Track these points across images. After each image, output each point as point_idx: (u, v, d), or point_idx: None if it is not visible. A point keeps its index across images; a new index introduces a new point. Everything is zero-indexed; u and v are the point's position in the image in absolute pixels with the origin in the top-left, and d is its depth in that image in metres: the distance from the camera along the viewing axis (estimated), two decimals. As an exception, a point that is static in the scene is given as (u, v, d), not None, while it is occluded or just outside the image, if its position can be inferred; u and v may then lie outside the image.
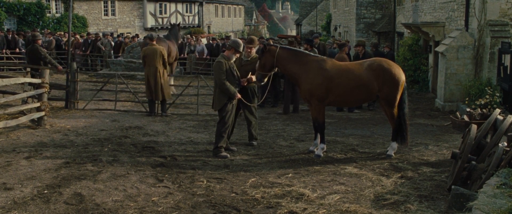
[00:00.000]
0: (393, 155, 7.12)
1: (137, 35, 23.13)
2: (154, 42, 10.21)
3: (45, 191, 5.17)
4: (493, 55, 10.71)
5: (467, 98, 10.36)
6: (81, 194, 5.11)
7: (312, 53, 7.37)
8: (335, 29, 28.48)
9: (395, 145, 7.25)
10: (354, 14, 23.04)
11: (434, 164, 6.75)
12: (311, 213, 4.72)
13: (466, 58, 11.22)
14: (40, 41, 11.22)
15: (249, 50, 7.63)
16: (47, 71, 8.98)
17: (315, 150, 7.24)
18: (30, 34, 12.75)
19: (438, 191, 5.53)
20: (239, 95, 6.96)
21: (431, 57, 15.06)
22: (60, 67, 11.02)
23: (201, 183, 5.65)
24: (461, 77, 11.25)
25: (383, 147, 7.75)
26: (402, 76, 7.12)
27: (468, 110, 7.27)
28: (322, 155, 7.05)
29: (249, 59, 7.65)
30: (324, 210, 4.81)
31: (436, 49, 12.23)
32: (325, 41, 22.21)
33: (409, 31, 16.72)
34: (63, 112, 10.47)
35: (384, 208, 4.96)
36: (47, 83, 8.84)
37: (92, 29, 29.38)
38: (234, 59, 7.01)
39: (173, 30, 14.83)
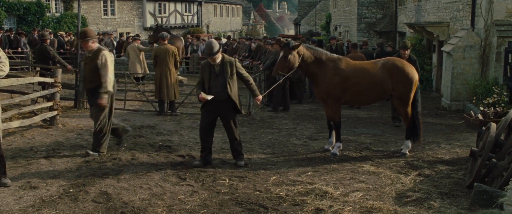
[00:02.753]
0: (408, 153, 7.20)
1: (138, 35, 23.12)
2: (166, 42, 10.23)
3: (71, 190, 5.20)
4: (499, 55, 10.82)
5: (474, 98, 10.47)
6: (107, 193, 5.15)
7: (328, 53, 7.35)
8: (335, 29, 28.58)
9: (409, 143, 7.32)
10: (356, 14, 23.15)
11: (449, 162, 6.83)
12: (337, 210, 4.79)
13: (472, 57, 11.33)
14: (48, 41, 11.23)
15: (86, 44, 6.50)
16: (60, 70, 8.99)
17: (330, 148, 7.31)
18: (40, 33, 12.72)
19: (458, 189, 5.60)
20: (202, 96, 6.07)
21: (434, 57, 15.18)
22: (69, 66, 11.03)
23: (223, 181, 5.70)
24: (467, 76, 11.37)
25: (396, 145, 7.84)
26: (416, 76, 7.21)
27: (481, 108, 7.36)
28: (338, 153, 7.13)
29: (90, 54, 6.57)
30: (350, 207, 4.88)
31: (443, 48, 12.33)
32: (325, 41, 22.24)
33: (412, 31, 16.84)
34: (72, 111, 10.48)
35: (408, 205, 5.03)
36: (59, 82, 8.85)
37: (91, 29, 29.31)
38: (218, 61, 6.14)
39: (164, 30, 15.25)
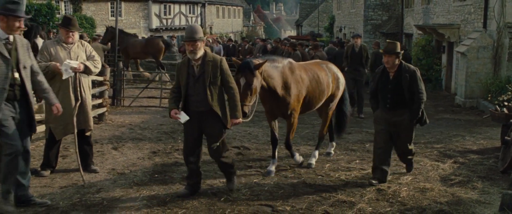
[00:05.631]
0: (314, 163, 6.47)
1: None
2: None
3: (156, 175, 5.84)
4: (511, 55, 11.60)
5: (489, 95, 11.24)
6: (189, 177, 5.78)
7: (279, 61, 5.99)
8: (340, 30, 29.35)
9: (317, 153, 6.74)
10: (362, 16, 23.92)
11: (478, 152, 7.55)
12: (396, 190, 5.47)
13: (485, 58, 12.11)
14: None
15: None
16: (108, 69, 9.61)
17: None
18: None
19: (493, 173, 6.31)
20: (174, 115, 4.80)
21: (444, 57, 15.96)
22: (106, 65, 11.62)
23: (285, 167, 6.36)
24: (481, 75, 12.14)
25: (423, 138, 8.52)
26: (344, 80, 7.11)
27: (505, 103, 8.12)
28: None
29: None
30: (406, 188, 5.56)
31: (457, 49, 13.11)
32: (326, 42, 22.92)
33: (421, 32, 17.61)
34: (111, 109, 11.05)
35: (454, 186, 5.73)
36: (108, 81, 9.47)
37: (99, 30, 29.78)
38: (198, 56, 4.75)
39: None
